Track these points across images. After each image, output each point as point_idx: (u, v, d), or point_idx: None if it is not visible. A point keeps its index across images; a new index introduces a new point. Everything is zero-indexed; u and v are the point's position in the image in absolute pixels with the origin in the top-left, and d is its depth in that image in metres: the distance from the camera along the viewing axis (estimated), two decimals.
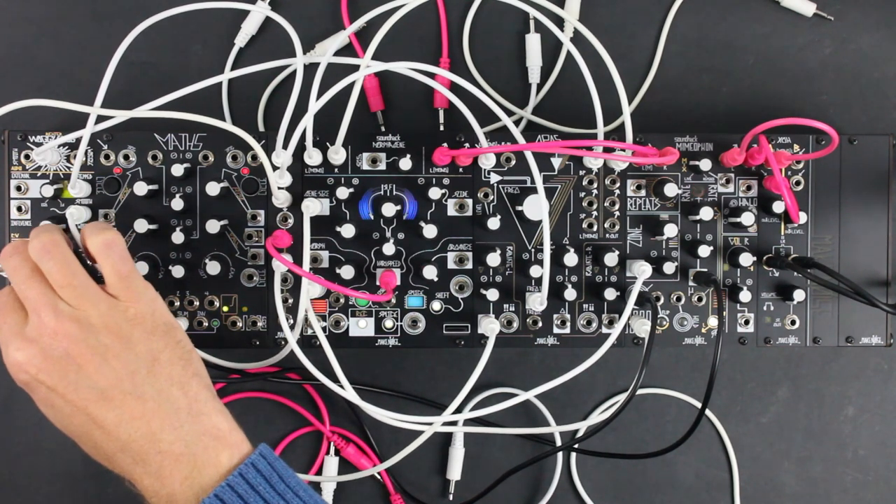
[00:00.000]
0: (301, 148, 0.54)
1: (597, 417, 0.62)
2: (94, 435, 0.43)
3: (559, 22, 0.61)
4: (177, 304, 0.56)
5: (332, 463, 0.63)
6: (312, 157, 0.55)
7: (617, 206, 0.56)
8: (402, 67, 0.52)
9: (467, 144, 0.56)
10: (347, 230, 0.54)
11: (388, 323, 0.56)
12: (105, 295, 0.44)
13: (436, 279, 0.55)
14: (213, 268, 0.54)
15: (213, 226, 0.54)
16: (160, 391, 0.43)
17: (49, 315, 0.42)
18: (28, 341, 0.42)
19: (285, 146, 0.53)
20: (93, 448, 0.44)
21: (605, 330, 0.57)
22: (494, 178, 0.56)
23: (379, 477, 0.63)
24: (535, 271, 0.56)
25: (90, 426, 0.42)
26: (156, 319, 0.45)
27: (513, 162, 0.56)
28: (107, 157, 0.56)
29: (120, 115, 0.54)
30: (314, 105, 0.51)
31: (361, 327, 0.56)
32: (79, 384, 0.42)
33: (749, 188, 0.57)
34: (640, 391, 0.63)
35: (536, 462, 0.60)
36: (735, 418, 0.64)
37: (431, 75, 0.53)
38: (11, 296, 0.44)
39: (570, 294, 0.55)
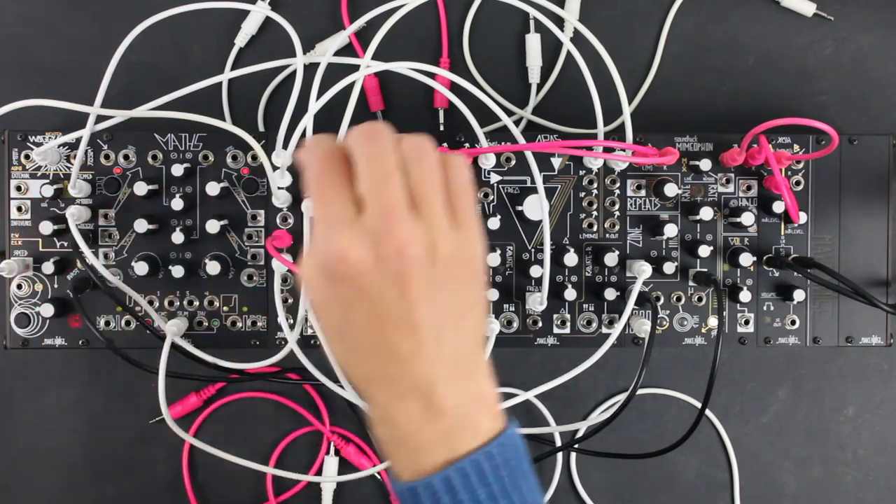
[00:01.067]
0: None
1: (597, 417, 0.62)
2: (372, 354, 0.39)
3: (559, 22, 0.61)
4: (177, 304, 0.56)
5: (331, 463, 0.63)
6: None
7: (617, 206, 0.56)
8: (402, 67, 0.52)
9: (467, 144, 0.56)
10: None
11: None
12: (456, 231, 0.39)
13: None
14: (213, 268, 0.54)
15: (213, 226, 0.54)
16: (459, 343, 0.40)
17: (402, 228, 0.37)
18: (365, 240, 0.37)
19: (285, 146, 0.53)
20: (357, 366, 0.40)
21: (605, 330, 0.57)
22: (494, 178, 0.56)
23: (379, 477, 0.63)
24: (535, 271, 0.56)
25: (377, 346, 0.39)
26: (480, 270, 0.41)
27: (513, 162, 0.56)
28: (107, 157, 0.56)
29: (120, 115, 0.54)
30: (314, 105, 0.51)
31: None
32: (392, 305, 0.38)
33: (749, 188, 0.57)
34: (640, 391, 0.63)
35: (536, 462, 0.60)
36: (735, 418, 0.64)
37: (431, 75, 0.53)
38: (346, 180, 0.39)
39: (570, 294, 0.55)
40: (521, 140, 0.53)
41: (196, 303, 0.56)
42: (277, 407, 0.63)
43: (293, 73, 0.62)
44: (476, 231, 0.40)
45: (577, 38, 0.56)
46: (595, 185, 0.56)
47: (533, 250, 0.56)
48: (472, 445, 0.39)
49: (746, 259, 0.55)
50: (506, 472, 0.39)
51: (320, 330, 0.41)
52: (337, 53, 0.62)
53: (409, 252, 0.37)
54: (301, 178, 0.55)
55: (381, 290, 0.37)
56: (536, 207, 0.55)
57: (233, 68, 0.63)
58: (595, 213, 0.56)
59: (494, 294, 0.56)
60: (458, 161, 0.40)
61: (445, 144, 0.55)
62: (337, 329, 0.40)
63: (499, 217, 0.55)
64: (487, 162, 0.55)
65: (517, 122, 0.63)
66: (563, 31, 0.59)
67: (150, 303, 0.56)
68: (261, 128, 0.63)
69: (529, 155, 0.53)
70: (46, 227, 0.54)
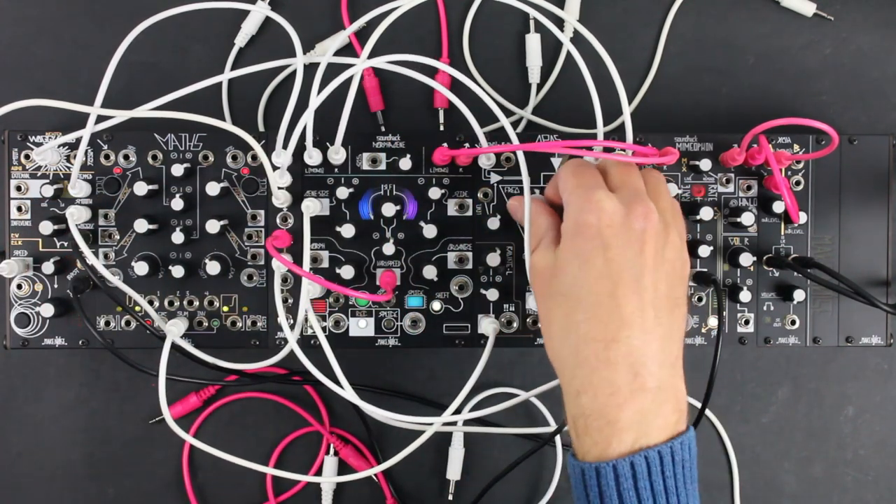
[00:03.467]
0: (301, 148, 0.54)
1: None
2: (597, 310, 0.42)
3: (559, 22, 0.61)
4: (177, 304, 0.56)
5: (331, 463, 0.63)
6: (312, 156, 0.55)
7: None
8: (401, 58, 0.52)
9: (467, 144, 0.56)
10: (347, 230, 0.54)
11: (388, 323, 0.56)
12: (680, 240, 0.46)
13: (436, 279, 0.55)
14: (213, 268, 0.54)
15: (213, 226, 0.54)
16: (670, 329, 0.43)
17: (643, 200, 0.44)
18: (618, 201, 0.43)
19: (285, 146, 0.53)
20: (578, 323, 0.43)
21: None
22: (494, 178, 0.56)
23: (376, 479, 0.63)
24: None
25: (604, 301, 0.42)
26: (686, 284, 0.46)
27: (513, 162, 0.56)
28: (107, 157, 0.56)
29: (120, 115, 0.54)
30: (314, 100, 0.51)
31: (361, 327, 0.56)
32: (628, 262, 0.42)
33: (749, 188, 0.57)
34: None
35: (533, 455, 0.60)
36: (735, 418, 0.64)
37: (432, 70, 0.53)
38: (599, 173, 0.46)
39: None
40: (516, 141, 0.53)
41: (196, 303, 0.56)
42: (277, 407, 0.63)
43: (293, 73, 0.62)
44: (687, 258, 0.46)
45: (577, 39, 0.56)
46: None
47: None
48: (661, 437, 0.41)
49: (746, 259, 0.55)
50: (680, 471, 0.41)
51: (546, 296, 0.45)
52: (337, 53, 0.62)
53: (654, 218, 0.43)
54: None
55: (623, 245, 0.42)
56: None
57: (233, 68, 0.63)
58: None
59: (494, 294, 0.56)
60: (656, 177, 0.48)
61: (445, 144, 0.55)
62: (566, 288, 0.43)
63: (499, 217, 0.55)
64: (487, 162, 0.55)
65: (517, 122, 0.63)
66: (563, 31, 0.59)
67: (150, 303, 0.56)
68: (261, 128, 0.63)
69: (521, 156, 0.53)
70: (46, 227, 0.54)
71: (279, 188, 0.54)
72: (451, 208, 0.56)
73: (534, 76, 0.63)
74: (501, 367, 0.63)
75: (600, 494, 0.41)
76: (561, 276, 0.44)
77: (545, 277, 0.45)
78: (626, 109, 0.53)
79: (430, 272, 0.54)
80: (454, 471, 0.63)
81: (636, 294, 0.42)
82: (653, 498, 0.40)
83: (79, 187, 0.55)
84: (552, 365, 0.46)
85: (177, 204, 0.54)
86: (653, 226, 0.43)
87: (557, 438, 0.63)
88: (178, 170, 0.54)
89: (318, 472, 0.63)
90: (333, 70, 0.60)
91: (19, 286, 0.56)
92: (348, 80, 0.51)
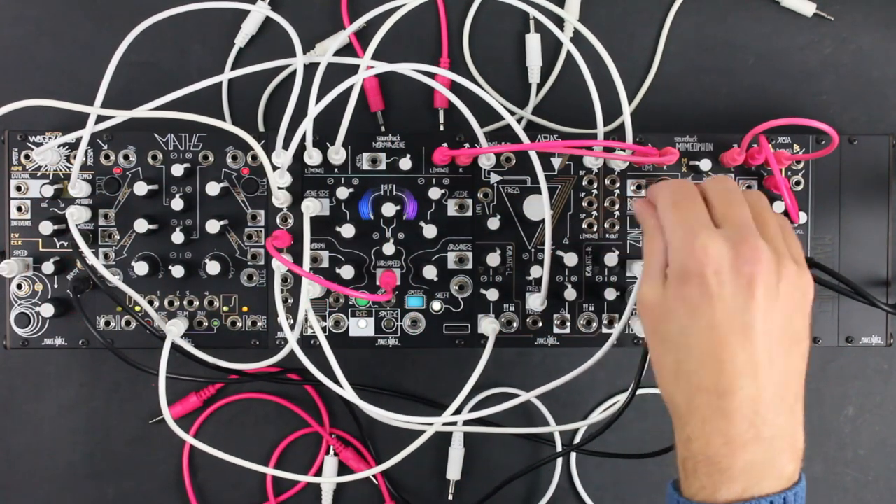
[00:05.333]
0: (301, 148, 0.54)
1: (597, 417, 0.62)
2: (706, 362, 0.40)
3: (559, 22, 0.61)
4: (177, 304, 0.56)
5: (331, 463, 0.62)
6: (312, 156, 0.55)
7: (617, 206, 0.56)
8: (402, 68, 0.52)
9: (467, 144, 0.56)
10: (347, 230, 0.54)
11: (388, 323, 0.56)
12: (794, 263, 0.42)
13: (436, 279, 0.55)
14: (213, 268, 0.54)
15: (213, 226, 0.54)
16: (785, 369, 0.41)
17: (756, 239, 0.41)
18: (725, 241, 0.41)
19: (285, 146, 0.53)
20: (688, 375, 0.41)
21: (605, 330, 0.57)
22: (494, 178, 0.56)
23: (375, 480, 0.63)
24: (535, 271, 0.56)
25: (713, 352, 0.40)
26: (810, 308, 0.43)
27: (513, 162, 0.56)
28: (107, 157, 0.56)
29: (120, 115, 0.54)
30: (313, 109, 0.51)
31: (361, 327, 0.56)
32: (737, 310, 0.40)
33: (749, 188, 0.57)
34: (639, 391, 0.63)
35: (532, 455, 0.60)
36: None
37: (432, 75, 0.53)
38: (702, 201, 0.44)
39: (570, 294, 0.55)
40: (525, 138, 0.53)
41: (196, 303, 0.56)
42: (277, 408, 0.63)
43: (293, 73, 0.62)
44: (808, 271, 0.43)
45: (577, 38, 0.56)
46: (595, 185, 0.56)
47: (533, 250, 0.56)
48: (773, 487, 0.40)
49: None
50: None
51: (655, 336, 0.43)
52: (337, 53, 0.62)
53: (763, 257, 0.40)
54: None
55: (731, 293, 0.40)
56: (536, 207, 0.55)
57: (233, 68, 0.63)
58: (595, 213, 0.56)
59: (494, 294, 0.56)
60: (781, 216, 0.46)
61: (445, 144, 0.55)
62: (675, 336, 0.42)
63: (499, 217, 0.55)
64: (487, 162, 0.55)
65: (517, 122, 0.63)
66: (563, 31, 0.59)
67: (150, 303, 0.56)
68: (261, 128, 0.63)
69: (533, 155, 0.53)
70: (46, 227, 0.54)
71: (279, 188, 0.54)
72: (451, 208, 0.56)
73: (534, 76, 0.63)
74: (501, 367, 0.63)
75: None
76: (669, 323, 0.42)
77: (654, 316, 0.43)
78: (626, 109, 0.53)
79: (430, 272, 0.54)
80: (454, 471, 0.62)
81: (749, 342, 0.40)
82: None
83: (79, 187, 0.55)
84: (664, 402, 0.44)
85: (177, 204, 0.54)
86: (763, 267, 0.40)
87: (557, 437, 0.63)
88: (178, 170, 0.54)
89: (318, 473, 0.63)
90: (333, 70, 0.60)
91: (19, 286, 0.56)
92: (348, 85, 0.51)
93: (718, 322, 0.40)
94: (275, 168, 0.54)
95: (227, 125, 0.53)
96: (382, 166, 0.56)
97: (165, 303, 0.56)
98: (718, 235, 0.41)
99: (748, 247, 0.41)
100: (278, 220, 0.56)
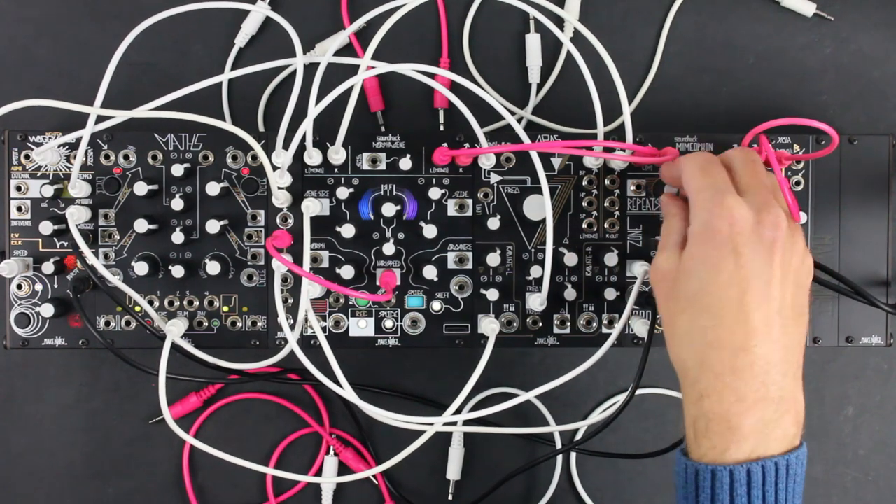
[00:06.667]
0: (301, 148, 0.54)
1: (597, 417, 0.62)
2: (724, 318, 0.42)
3: (559, 22, 0.61)
4: (177, 304, 0.56)
5: (331, 464, 0.62)
6: (312, 157, 0.55)
7: (617, 206, 0.56)
8: (402, 68, 0.52)
9: (467, 144, 0.56)
10: (347, 230, 0.54)
11: (388, 323, 0.56)
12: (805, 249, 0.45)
13: (436, 279, 0.55)
14: (213, 268, 0.54)
15: (213, 226, 0.54)
16: (793, 338, 0.43)
17: (773, 207, 0.43)
18: (749, 206, 0.43)
19: (285, 146, 0.53)
20: (705, 330, 0.43)
21: (605, 330, 0.57)
22: (494, 178, 0.56)
23: (375, 480, 0.63)
24: (535, 271, 0.56)
25: (730, 309, 0.42)
26: (807, 288, 0.46)
27: (513, 162, 0.56)
28: (107, 157, 0.56)
29: (120, 115, 0.54)
30: (313, 109, 0.51)
31: (361, 327, 0.56)
32: (757, 270, 0.42)
33: None
34: (639, 391, 0.63)
35: (532, 454, 0.60)
36: None
37: (432, 75, 0.53)
38: (726, 170, 0.46)
39: (570, 294, 0.55)
40: (526, 138, 0.53)
41: (196, 303, 0.56)
42: (277, 408, 0.63)
43: (293, 73, 0.62)
44: (811, 263, 0.46)
45: (577, 38, 0.56)
46: (595, 185, 0.56)
47: (533, 250, 0.56)
48: (778, 448, 0.42)
49: None
50: (792, 485, 0.42)
51: (669, 299, 0.45)
52: (337, 53, 0.62)
53: (783, 226, 0.43)
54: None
55: (752, 254, 0.42)
56: (536, 207, 0.55)
57: (233, 68, 0.63)
58: (595, 213, 0.56)
59: (494, 294, 0.56)
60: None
61: (445, 144, 0.55)
62: (692, 294, 0.43)
63: (499, 217, 0.55)
64: (487, 162, 0.55)
65: (517, 122, 0.63)
66: (563, 31, 0.59)
67: (150, 303, 0.56)
68: (261, 128, 0.63)
69: (534, 154, 0.53)
70: (46, 227, 0.54)
71: (279, 188, 0.54)
72: (451, 208, 0.56)
73: (534, 76, 0.63)
74: (501, 367, 0.63)
75: (712, 497, 0.41)
76: (687, 281, 0.44)
77: (668, 280, 0.45)
78: (626, 109, 0.53)
79: (430, 272, 0.54)
80: (454, 471, 0.63)
81: (765, 303, 0.42)
82: None
83: (79, 187, 0.54)
84: (673, 366, 0.45)
85: (177, 204, 0.54)
86: (782, 234, 0.43)
87: (557, 436, 0.63)
88: (178, 170, 0.54)
89: (318, 473, 0.63)
90: (333, 70, 0.61)
91: (19, 286, 0.56)
92: (348, 86, 0.51)
93: (739, 280, 0.42)
94: (275, 168, 0.54)
95: (227, 125, 0.53)
96: (382, 166, 0.56)
97: (165, 303, 0.56)
98: (743, 200, 0.43)
99: (771, 214, 0.43)
100: (278, 220, 0.56)
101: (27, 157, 0.55)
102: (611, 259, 0.55)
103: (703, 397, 0.42)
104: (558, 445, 0.63)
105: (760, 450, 0.41)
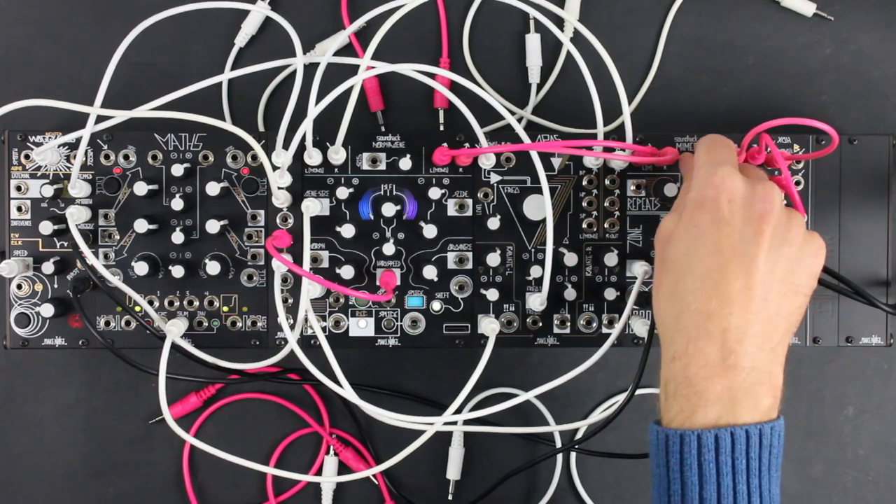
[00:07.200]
0: (301, 148, 0.54)
1: (597, 417, 0.62)
2: (703, 283, 0.42)
3: (559, 22, 0.61)
4: (177, 304, 0.56)
5: (331, 463, 0.62)
6: (312, 157, 0.55)
7: (617, 206, 0.56)
8: (402, 68, 0.52)
9: (467, 144, 0.56)
10: (347, 230, 0.54)
11: (388, 323, 0.56)
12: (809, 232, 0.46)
13: (436, 279, 0.55)
14: (213, 268, 0.54)
15: (213, 226, 0.54)
16: (777, 312, 0.43)
17: (771, 184, 0.44)
18: (744, 180, 0.44)
19: (285, 146, 0.53)
20: (683, 293, 0.43)
21: (605, 330, 0.57)
22: (494, 178, 0.56)
23: (375, 480, 0.63)
24: (535, 271, 0.56)
25: (711, 275, 0.42)
26: (816, 273, 0.46)
27: (513, 162, 0.56)
28: (107, 157, 0.56)
29: (120, 115, 0.54)
30: (313, 109, 0.51)
31: (361, 327, 0.56)
32: (742, 240, 0.43)
33: None
34: (639, 391, 0.63)
35: (537, 464, 0.60)
36: None
37: (432, 75, 0.53)
38: (733, 151, 0.48)
39: (570, 294, 0.55)
40: (526, 138, 0.53)
41: (196, 303, 0.56)
42: (277, 408, 0.63)
43: (293, 73, 0.62)
44: (819, 238, 0.46)
45: (577, 38, 0.56)
46: (595, 185, 0.56)
47: (533, 250, 0.56)
48: (749, 418, 0.42)
49: None
50: (766, 455, 0.42)
51: (659, 261, 0.46)
52: (337, 53, 0.62)
53: (777, 200, 0.44)
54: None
55: (740, 224, 0.43)
56: (536, 207, 0.55)
57: (233, 68, 0.63)
58: (595, 213, 0.56)
59: (494, 294, 0.56)
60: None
61: (445, 144, 0.55)
62: (678, 256, 0.44)
63: (499, 217, 0.55)
64: (487, 162, 0.55)
65: (517, 122, 0.63)
66: (563, 31, 0.59)
67: (150, 303, 0.56)
68: (261, 128, 0.63)
69: (534, 154, 0.53)
70: (46, 227, 0.54)
71: (279, 188, 0.54)
72: (451, 208, 0.56)
73: (534, 76, 0.63)
74: (501, 367, 0.63)
75: (681, 462, 0.42)
76: (675, 244, 0.45)
77: (664, 241, 0.46)
78: (626, 109, 0.53)
79: (430, 272, 0.54)
80: (454, 471, 0.63)
81: (746, 273, 0.42)
82: (732, 475, 0.41)
83: (79, 187, 0.55)
84: (656, 327, 0.46)
85: (177, 204, 0.54)
86: (775, 208, 0.43)
87: (557, 437, 0.63)
88: (178, 170, 0.54)
89: (319, 472, 0.63)
90: (333, 70, 0.61)
91: (19, 286, 0.56)
92: (348, 86, 0.51)
93: (723, 247, 0.42)
94: (275, 168, 0.54)
95: (227, 125, 0.53)
96: (382, 166, 0.56)
97: (165, 303, 0.56)
98: (738, 175, 0.44)
99: (764, 188, 0.44)
100: (278, 220, 0.56)
101: (27, 157, 0.56)
102: (611, 259, 0.55)
103: (675, 359, 0.43)
104: (558, 445, 0.63)
105: (728, 417, 0.41)
